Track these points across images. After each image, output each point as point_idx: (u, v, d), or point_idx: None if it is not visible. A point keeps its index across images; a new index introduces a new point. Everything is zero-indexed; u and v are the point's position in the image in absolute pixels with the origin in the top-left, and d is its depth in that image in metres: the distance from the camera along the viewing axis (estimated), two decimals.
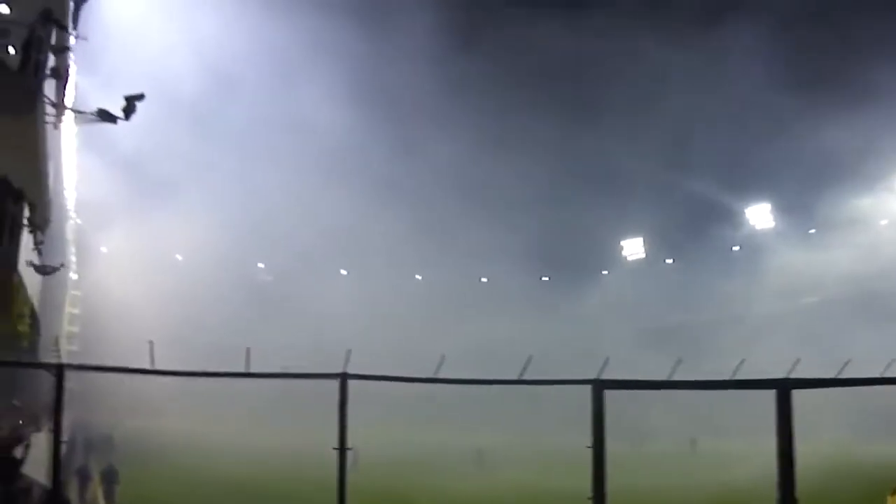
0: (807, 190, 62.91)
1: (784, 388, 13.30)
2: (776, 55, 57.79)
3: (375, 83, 61.89)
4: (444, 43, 59.44)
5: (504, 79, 65.64)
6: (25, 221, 15.55)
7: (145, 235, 58.15)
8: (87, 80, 29.98)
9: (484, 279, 78.86)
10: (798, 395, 13.31)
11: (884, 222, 63.70)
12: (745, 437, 33.97)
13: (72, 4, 19.86)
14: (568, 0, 65.90)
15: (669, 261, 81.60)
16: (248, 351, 13.47)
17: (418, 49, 59.34)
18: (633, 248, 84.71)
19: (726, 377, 14.39)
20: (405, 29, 59.63)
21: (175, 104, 50.01)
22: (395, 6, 60.28)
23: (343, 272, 73.43)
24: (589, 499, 14.08)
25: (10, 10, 16.86)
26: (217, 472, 35.75)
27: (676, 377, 14.39)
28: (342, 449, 14.08)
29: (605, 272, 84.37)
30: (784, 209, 71.23)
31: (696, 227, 73.14)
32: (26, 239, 15.64)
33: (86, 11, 21.40)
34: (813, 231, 67.23)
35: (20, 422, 29.11)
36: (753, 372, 14.12)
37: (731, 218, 74.12)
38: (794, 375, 13.64)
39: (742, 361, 14.44)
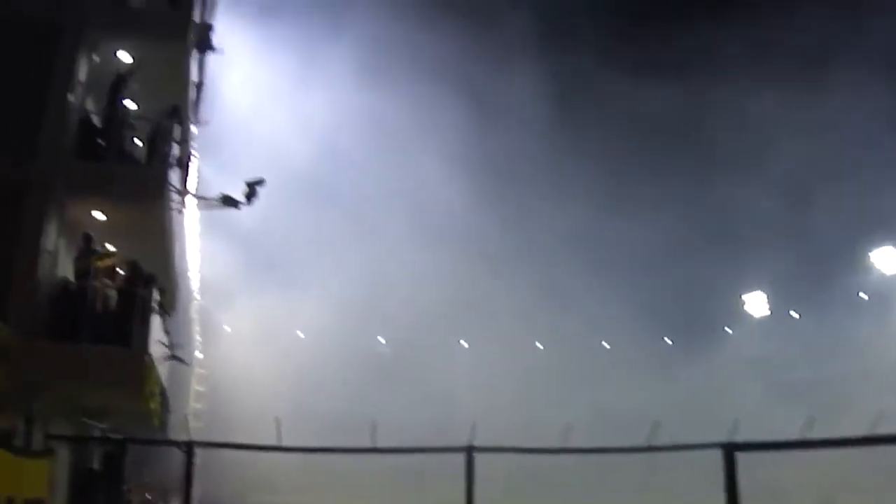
0: None
1: None
2: (891, 95, 56.13)
3: (486, 154, 62.46)
4: (550, 112, 59.80)
5: (613, 143, 65.43)
6: (155, 304, 16.14)
7: (267, 313, 59.58)
8: (208, 166, 31.25)
9: (606, 344, 77.71)
10: None
11: None
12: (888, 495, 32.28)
13: (193, 96, 20.86)
14: (667, 62, 65.25)
15: (795, 314, 78.66)
16: (373, 426, 13.61)
17: (526, 119, 59.90)
18: (757, 302, 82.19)
19: (862, 433, 13.78)
20: (513, 100, 60.29)
21: (291, 183, 51.33)
22: (501, 79, 60.99)
23: (463, 343, 73.48)
24: None
25: (137, 106, 17.77)
26: None
27: (810, 435, 13.87)
28: None
29: (728, 330, 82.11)
30: None
31: (820, 276, 70.39)
32: (156, 321, 16.23)
33: (205, 101, 22.42)
34: None
35: (149, 497, 29.98)
36: (893, 426, 13.50)
37: (857, 264, 71.20)
38: None
39: (879, 415, 13.83)
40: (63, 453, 15.47)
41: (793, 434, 14.12)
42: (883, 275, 72.55)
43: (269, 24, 52.27)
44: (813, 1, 55.71)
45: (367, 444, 14.26)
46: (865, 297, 73.38)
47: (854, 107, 57.97)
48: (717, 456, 13.76)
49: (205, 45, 20.56)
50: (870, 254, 72.40)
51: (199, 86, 21.78)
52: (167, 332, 18.68)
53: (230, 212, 21.96)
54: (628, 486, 52.58)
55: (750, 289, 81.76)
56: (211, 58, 21.38)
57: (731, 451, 13.74)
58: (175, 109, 17.69)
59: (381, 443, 14.37)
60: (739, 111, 62.22)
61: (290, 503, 49.33)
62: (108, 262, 16.28)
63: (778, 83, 60.79)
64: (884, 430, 13.37)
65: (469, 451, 14.13)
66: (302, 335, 68.58)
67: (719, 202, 64.94)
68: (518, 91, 59.81)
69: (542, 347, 79.54)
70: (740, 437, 13.96)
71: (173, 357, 20.28)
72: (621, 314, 69.92)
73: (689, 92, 61.72)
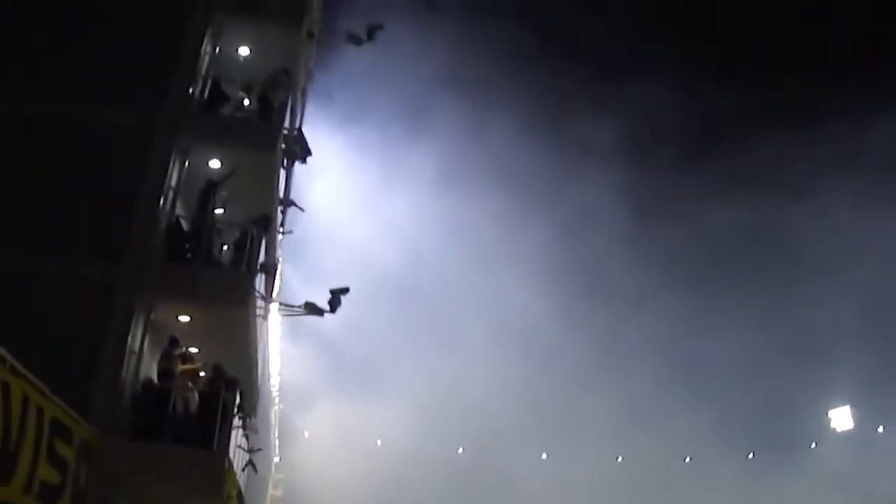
0: None
1: None
2: None
3: (568, 266, 62.43)
4: (633, 226, 59.87)
5: (695, 258, 64.96)
6: (236, 408, 16.21)
7: (346, 419, 59.56)
8: (293, 272, 31.77)
9: (688, 459, 75.28)
10: None
11: None
12: None
13: (280, 204, 21.33)
14: (746, 175, 64.89)
15: (880, 428, 75.54)
16: None
17: (609, 232, 59.87)
18: (841, 417, 79.38)
19: None
20: (594, 213, 60.40)
21: (374, 289, 51.89)
22: (583, 192, 61.18)
23: (544, 456, 71.96)
24: None
25: (226, 212, 18.22)
26: None
27: None
28: None
29: (813, 445, 79.19)
30: None
31: None
32: (236, 424, 16.27)
33: (293, 208, 22.90)
34: None
35: None
36: None
37: None
38: None
39: None
40: None
41: None
42: None
43: (355, 132, 53.62)
44: (887, 110, 55.10)
45: None
46: None
47: None
48: None
49: (294, 155, 21.10)
50: None
51: (287, 193, 22.28)
52: (247, 436, 18.71)
53: (316, 318, 22.18)
54: None
55: (835, 403, 79.06)
56: (298, 166, 21.90)
57: None
58: (263, 217, 18.08)
59: None
60: (819, 223, 61.22)
61: None
62: (191, 365, 16.48)
63: (856, 193, 59.91)
64: None
65: None
66: (380, 443, 68.14)
67: (802, 316, 63.38)
68: (600, 204, 59.97)
69: (622, 460, 77.52)
70: None
71: (251, 462, 20.27)
72: (705, 429, 67.95)
73: (768, 204, 61.20)
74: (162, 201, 16.15)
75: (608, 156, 60.82)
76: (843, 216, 60.08)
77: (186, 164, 17.15)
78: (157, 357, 16.11)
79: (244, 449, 18.30)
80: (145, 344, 15.71)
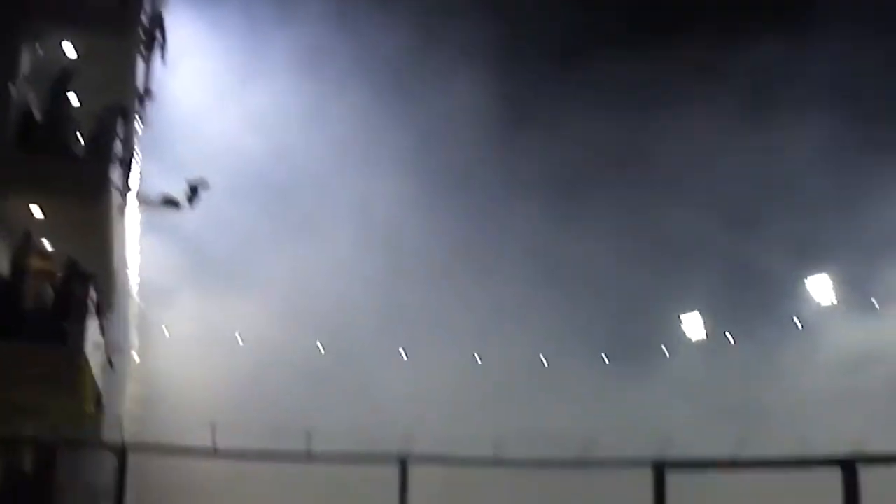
0: (871, 259, 61.60)
1: (850, 466, 13.07)
2: (838, 114, 57.26)
3: (435, 163, 62.09)
4: (501, 127, 60.13)
5: (561, 163, 65.96)
6: (92, 304, 15.97)
7: (207, 317, 58.87)
8: (152, 166, 30.94)
9: (543, 360, 78.03)
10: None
11: None
12: None
13: (138, 93, 20.68)
14: (615, 88, 66.05)
15: (730, 337, 79.62)
16: (308, 435, 13.61)
17: (477, 131, 60.05)
18: (693, 325, 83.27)
19: (791, 456, 14.14)
20: (463, 108, 60.47)
21: (236, 184, 51.04)
22: (445, 86, 60.97)
23: (402, 354, 73.21)
24: None
25: (81, 102, 17.59)
26: None
27: (740, 457, 14.18)
28: None
29: (665, 350, 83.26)
30: (847, 281, 69.54)
31: (756, 301, 71.26)
32: (92, 321, 16.06)
33: (150, 101, 22.24)
34: (876, 303, 65.62)
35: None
36: (819, 450, 13.85)
37: (792, 291, 72.24)
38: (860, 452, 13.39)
39: (804, 439, 14.19)
40: None
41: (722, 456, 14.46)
42: (817, 304, 73.72)
43: (218, 15, 51.77)
44: (758, 31, 56.54)
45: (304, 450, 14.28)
46: (799, 325, 74.54)
47: (796, 136, 59.07)
48: (647, 474, 13.98)
49: (153, 42, 20.39)
50: (805, 281, 73.64)
51: (147, 83, 21.60)
52: (104, 333, 18.48)
53: (173, 212, 21.78)
54: (559, 502, 52.89)
55: (688, 311, 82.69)
56: (158, 54, 21.21)
57: (661, 468, 13.98)
58: (120, 107, 17.53)
59: (318, 450, 14.40)
60: (685, 138, 62.95)
61: None
62: (45, 263, 16.08)
63: (723, 110, 61.78)
64: (812, 453, 13.75)
65: (403, 461, 14.20)
66: (241, 341, 68.02)
67: (663, 225, 65.51)
68: (468, 106, 60.00)
69: (479, 360, 79.70)
70: (671, 457, 14.24)
71: (109, 360, 20.05)
72: (562, 332, 70.25)
73: (634, 118, 62.56)
74: (13, 89, 15.49)
75: (478, 58, 60.66)
76: (709, 131, 61.93)
77: (38, 49, 16.42)
78: (10, 252, 15.66)
79: (101, 347, 18.09)
80: None
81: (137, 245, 41.55)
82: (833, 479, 13.22)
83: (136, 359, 58.74)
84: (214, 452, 15.01)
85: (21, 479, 18.11)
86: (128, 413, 53.49)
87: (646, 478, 13.95)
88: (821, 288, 70.82)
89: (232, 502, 51.54)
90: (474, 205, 64.90)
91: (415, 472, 14.03)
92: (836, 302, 69.57)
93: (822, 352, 66.29)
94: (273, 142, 55.89)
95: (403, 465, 14.09)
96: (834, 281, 69.91)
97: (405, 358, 72.12)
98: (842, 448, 13.87)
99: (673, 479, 13.62)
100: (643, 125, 62.05)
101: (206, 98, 52.60)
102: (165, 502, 47.17)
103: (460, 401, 65.40)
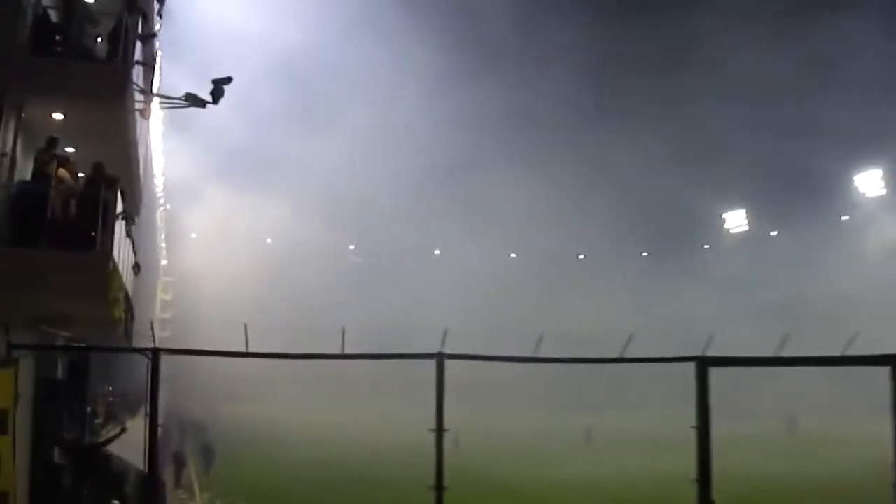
0: None
1: None
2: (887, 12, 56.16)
3: (463, 56, 61.70)
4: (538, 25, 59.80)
5: (605, 50, 65.50)
6: (118, 208, 16.05)
7: (234, 219, 59.47)
8: (173, 68, 30.85)
9: (581, 256, 78.27)
10: None
11: None
12: (861, 416, 33.25)
13: None
14: None
15: (774, 232, 79.40)
16: (343, 332, 13.79)
17: (511, 27, 59.58)
18: (736, 220, 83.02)
19: (838, 353, 14.14)
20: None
21: (262, 87, 50.82)
22: None
23: (436, 252, 73.56)
24: (693, 481, 14.09)
25: (97, 1, 17.39)
26: (312, 456, 36.65)
27: (784, 354, 14.21)
28: (440, 431, 14.29)
29: (707, 246, 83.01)
30: None
31: (802, 196, 70.96)
32: (119, 225, 16.16)
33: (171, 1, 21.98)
34: None
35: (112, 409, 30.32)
36: (868, 348, 13.83)
37: (839, 186, 71.68)
38: None
39: (855, 336, 14.17)
40: (26, 363, 15.53)
41: (768, 353, 14.51)
42: (865, 197, 73.28)
43: None
44: None
45: (337, 351, 14.50)
46: (846, 219, 74.18)
47: (846, 27, 57.80)
48: (688, 373, 14.10)
49: None
50: (854, 177, 73.12)
51: None
52: (131, 237, 18.64)
53: (200, 116, 21.72)
54: (598, 401, 53.89)
55: (731, 207, 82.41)
56: None
57: (704, 365, 14.07)
58: (138, 4, 17.33)
59: (350, 350, 14.62)
60: (730, 31, 61.94)
61: (261, 413, 50.00)
62: (69, 169, 16.13)
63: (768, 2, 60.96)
64: (860, 352, 13.74)
65: (440, 357, 14.39)
66: (270, 241, 68.69)
67: (706, 122, 65.09)
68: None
69: (515, 256, 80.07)
70: (714, 354, 14.31)
71: (136, 265, 20.28)
72: (601, 227, 70.45)
73: (678, 10, 61.77)
74: None
75: None
76: (753, 29, 60.86)
77: None
78: (31, 159, 15.72)
79: (129, 251, 18.29)
80: (18, 146, 15.26)
81: (162, 146, 41.78)
82: (881, 376, 13.26)
83: (165, 263, 59.47)
84: (247, 354, 15.23)
85: (55, 387, 18.53)
86: (158, 317, 54.60)
87: (688, 376, 14.06)
88: (870, 183, 70.02)
89: (265, 401, 52.90)
90: (514, 100, 64.51)
91: (452, 371, 14.25)
92: (885, 195, 68.87)
93: (870, 246, 65.96)
94: (296, 34, 55.62)
95: (440, 362, 14.27)
96: (884, 176, 68.97)
97: (437, 253, 72.43)
98: (891, 344, 13.83)
99: (716, 374, 13.74)
100: (687, 17, 61.15)
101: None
102: (200, 404, 48.60)
103: (496, 298, 66.02)
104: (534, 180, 63.81)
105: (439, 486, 14.20)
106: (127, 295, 18.60)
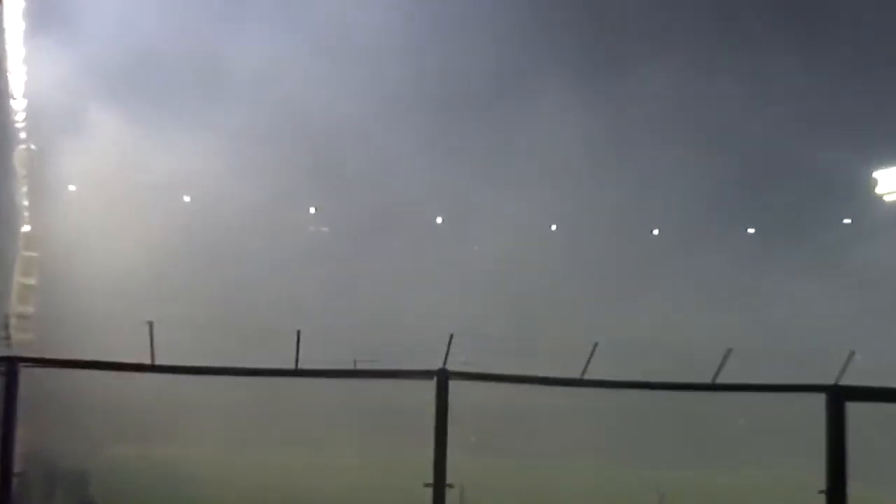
0: None
1: None
2: None
3: None
4: None
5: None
6: None
7: (135, 166, 59.21)
8: None
9: (656, 231, 78.06)
10: None
11: None
12: None
13: None
14: None
15: None
16: (298, 336, 13.85)
17: None
18: (890, 181, 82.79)
19: None
20: None
21: None
22: None
23: (438, 220, 73.22)
24: None
25: None
26: None
27: None
28: (439, 485, 14.36)
29: (847, 220, 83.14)
30: None
31: None
32: None
33: None
34: None
35: None
36: None
37: None
38: None
39: None
40: None
41: None
42: None
43: None
44: None
45: (288, 363, 14.57)
46: None
47: None
48: (814, 407, 14.13)
49: None
50: None
51: None
52: None
53: (80, 13, 21.72)
54: (674, 447, 53.74)
55: (882, 163, 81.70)
56: None
57: (839, 397, 14.18)
58: None
59: (310, 364, 14.69)
60: None
61: (168, 457, 50.12)
62: None
63: None
64: None
65: (441, 375, 14.49)
66: (190, 200, 68.10)
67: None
68: None
69: (556, 229, 78.99)
70: (852, 380, 14.34)
71: None
72: (687, 191, 70.04)
73: None
74: None
75: None
76: None
77: None
78: None
79: None
80: None
81: (23, 51, 41.70)
82: None
83: (27, 229, 59.70)
84: (152, 367, 15.34)
85: None
86: (16, 311, 54.86)
87: (813, 411, 14.12)
88: None
89: (183, 437, 53.25)
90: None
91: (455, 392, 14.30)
92: None
93: None
94: None
95: (442, 381, 14.40)
96: None
97: (439, 223, 72.70)
98: None
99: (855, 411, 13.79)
100: None
101: None
102: (80, 443, 48.72)
103: (522, 293, 66.39)
104: (591, 116, 63.80)
105: None
106: None
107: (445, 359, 14.59)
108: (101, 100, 56.01)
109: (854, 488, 14.10)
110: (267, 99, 58.72)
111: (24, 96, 44.55)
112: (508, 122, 66.03)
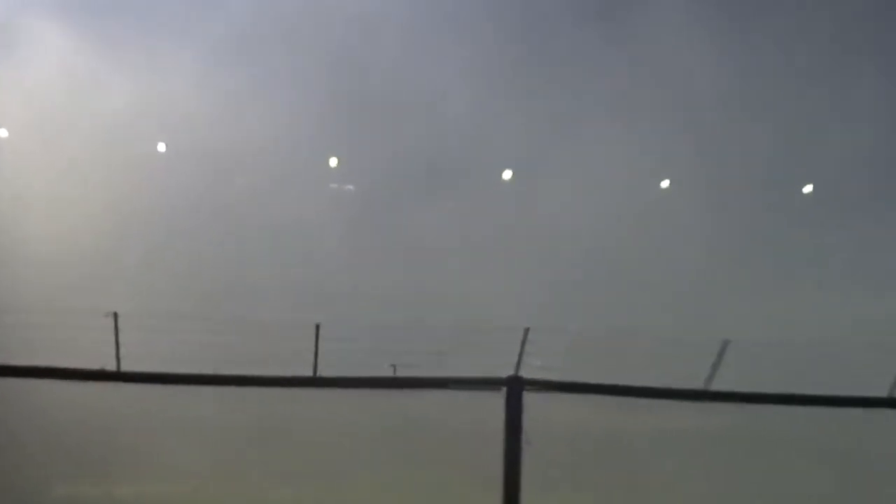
0: None
1: None
2: None
3: None
4: None
5: None
6: None
7: (88, 102, 59.68)
8: None
9: (808, 188, 78.22)
10: None
11: None
12: None
13: None
14: None
15: None
16: (317, 331, 13.79)
17: None
18: None
19: None
20: None
21: None
22: None
23: (506, 174, 73.64)
24: None
25: None
26: None
27: None
28: None
29: None
30: None
31: None
32: None
33: None
34: None
35: None
36: None
37: None
38: None
39: None
40: None
41: None
42: None
43: None
44: None
45: (304, 369, 14.55)
46: None
47: None
48: None
49: None
50: None
51: None
52: None
53: None
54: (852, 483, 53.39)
55: None
56: None
57: None
58: None
59: (331, 371, 14.66)
60: None
61: (142, 499, 50.43)
62: None
63: None
64: None
65: (513, 386, 14.33)
66: (164, 146, 68.57)
67: None
68: None
69: (668, 185, 79.28)
70: None
71: None
72: (848, 139, 70.03)
73: None
74: None
75: None
76: None
77: None
78: None
79: None
80: None
81: None
82: None
83: None
84: (117, 375, 15.42)
85: None
86: None
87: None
88: None
89: (157, 471, 53.65)
90: None
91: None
92: None
93: None
94: None
95: (514, 394, 14.38)
96: None
97: (510, 178, 73.35)
98: None
99: None
100: None
101: None
102: (14, 475, 49.18)
103: (625, 267, 66.84)
104: (718, 50, 64.14)
105: None
106: None
107: (518, 362, 14.51)
108: (38, 6, 56.55)
109: None
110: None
111: None
112: (605, 41, 66.54)
